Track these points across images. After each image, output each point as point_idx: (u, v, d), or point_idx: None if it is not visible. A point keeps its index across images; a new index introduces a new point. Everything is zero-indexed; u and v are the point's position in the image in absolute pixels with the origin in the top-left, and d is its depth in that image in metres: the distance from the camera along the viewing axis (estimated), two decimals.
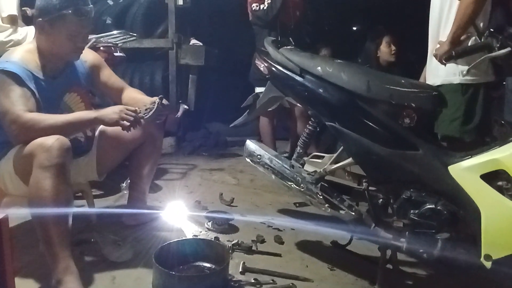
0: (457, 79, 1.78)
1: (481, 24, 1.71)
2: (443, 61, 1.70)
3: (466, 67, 1.73)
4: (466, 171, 1.34)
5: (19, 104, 1.45)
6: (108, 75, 1.84)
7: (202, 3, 4.13)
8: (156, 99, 1.64)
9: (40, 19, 1.56)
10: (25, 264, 1.56)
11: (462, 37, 1.70)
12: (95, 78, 1.82)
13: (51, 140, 1.37)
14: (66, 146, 1.40)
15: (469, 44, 1.71)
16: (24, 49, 1.62)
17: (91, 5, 1.61)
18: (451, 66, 1.75)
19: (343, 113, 1.57)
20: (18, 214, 1.54)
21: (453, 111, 1.77)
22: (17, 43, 2.48)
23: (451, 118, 1.78)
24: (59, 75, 1.67)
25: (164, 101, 1.65)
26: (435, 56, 1.78)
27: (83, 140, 1.80)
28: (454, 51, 1.57)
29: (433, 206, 1.44)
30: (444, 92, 1.62)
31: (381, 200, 1.57)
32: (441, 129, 1.83)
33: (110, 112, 1.52)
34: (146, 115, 1.60)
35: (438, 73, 1.84)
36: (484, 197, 1.30)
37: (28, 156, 1.41)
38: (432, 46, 1.90)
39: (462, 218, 1.41)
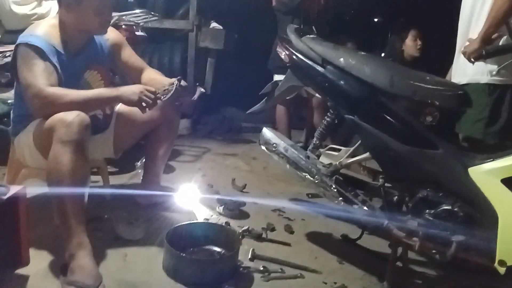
0: (485, 78, 1.72)
1: None
2: (472, 59, 1.64)
3: (495, 67, 1.67)
4: (487, 174, 1.32)
5: (42, 78, 1.47)
6: (129, 55, 1.84)
7: None
8: (174, 80, 1.64)
9: None
10: (39, 237, 1.59)
11: (494, 36, 1.64)
12: (116, 56, 1.82)
13: (72, 116, 1.39)
14: (86, 122, 1.41)
15: (500, 43, 1.65)
16: (49, 23, 1.62)
17: None
18: (479, 65, 1.69)
19: (364, 107, 1.55)
20: (35, 188, 1.57)
21: (478, 112, 1.71)
22: (41, 17, 2.49)
23: (475, 119, 1.73)
24: (81, 51, 1.68)
25: (183, 83, 1.64)
26: (464, 53, 1.72)
27: (101, 117, 1.82)
28: (484, 50, 1.52)
29: (450, 207, 1.42)
30: (470, 91, 1.58)
31: (396, 197, 1.56)
32: (463, 129, 1.78)
33: (130, 92, 1.53)
34: (165, 97, 1.60)
35: (466, 71, 1.78)
36: (504, 201, 1.27)
37: (48, 130, 1.42)
38: (461, 43, 1.83)
39: (478, 221, 1.39)
